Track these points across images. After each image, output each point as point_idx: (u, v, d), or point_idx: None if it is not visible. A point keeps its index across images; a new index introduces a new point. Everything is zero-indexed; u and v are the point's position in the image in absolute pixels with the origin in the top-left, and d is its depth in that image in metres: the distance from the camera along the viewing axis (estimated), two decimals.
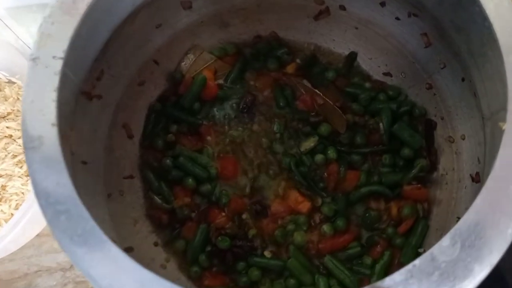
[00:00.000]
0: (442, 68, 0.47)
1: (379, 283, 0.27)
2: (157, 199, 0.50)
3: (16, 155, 0.61)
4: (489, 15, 0.33)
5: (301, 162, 0.52)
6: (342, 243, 0.50)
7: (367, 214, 0.51)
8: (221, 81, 0.55)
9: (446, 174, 0.50)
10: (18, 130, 0.62)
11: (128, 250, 0.43)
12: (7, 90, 0.65)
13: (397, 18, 0.48)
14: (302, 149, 0.53)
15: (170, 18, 0.48)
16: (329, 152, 0.52)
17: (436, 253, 0.28)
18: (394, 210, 0.50)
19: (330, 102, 0.53)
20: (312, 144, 0.52)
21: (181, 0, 0.47)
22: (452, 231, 0.28)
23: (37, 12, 0.59)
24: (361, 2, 0.48)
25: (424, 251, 0.47)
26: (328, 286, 0.48)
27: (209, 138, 0.54)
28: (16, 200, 0.60)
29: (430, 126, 0.51)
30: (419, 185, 0.50)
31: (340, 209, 0.51)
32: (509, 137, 0.30)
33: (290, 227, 0.50)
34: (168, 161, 0.51)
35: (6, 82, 0.67)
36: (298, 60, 0.55)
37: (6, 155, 0.61)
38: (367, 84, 0.55)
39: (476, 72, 0.40)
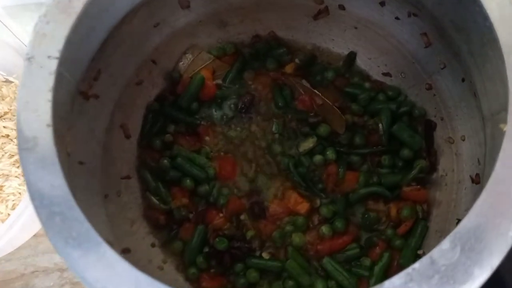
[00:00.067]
0: (442, 68, 0.47)
1: (378, 287, 0.27)
2: (154, 199, 0.50)
3: (13, 155, 0.61)
4: (489, 14, 0.33)
5: (299, 162, 0.52)
6: (340, 244, 0.50)
7: (366, 215, 0.50)
8: (219, 81, 0.55)
9: (446, 175, 0.49)
10: (15, 130, 0.62)
11: (125, 251, 0.42)
12: (4, 90, 0.65)
13: (397, 18, 0.47)
14: (301, 149, 0.52)
15: (168, 17, 0.48)
16: (328, 152, 0.51)
17: (435, 257, 0.28)
18: (393, 211, 0.50)
19: (329, 102, 0.53)
20: (311, 145, 0.52)
21: None
22: (452, 234, 0.28)
23: (35, 11, 0.59)
24: (360, 1, 0.48)
25: (424, 253, 0.47)
26: None
27: (207, 138, 0.53)
28: (13, 200, 0.60)
29: (430, 127, 0.51)
30: (418, 186, 0.50)
31: (339, 210, 0.51)
32: (510, 139, 0.30)
33: (289, 228, 0.50)
34: (165, 161, 0.51)
35: (3, 81, 0.67)
36: (297, 60, 0.55)
37: (3, 155, 0.61)
38: (367, 84, 0.54)
39: (476, 72, 0.40)
